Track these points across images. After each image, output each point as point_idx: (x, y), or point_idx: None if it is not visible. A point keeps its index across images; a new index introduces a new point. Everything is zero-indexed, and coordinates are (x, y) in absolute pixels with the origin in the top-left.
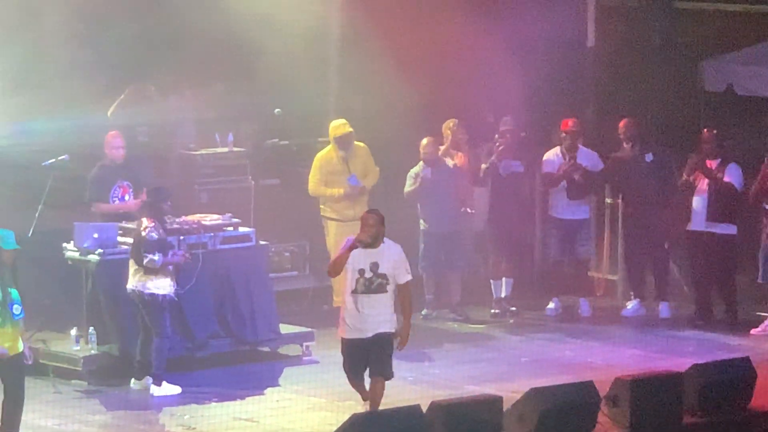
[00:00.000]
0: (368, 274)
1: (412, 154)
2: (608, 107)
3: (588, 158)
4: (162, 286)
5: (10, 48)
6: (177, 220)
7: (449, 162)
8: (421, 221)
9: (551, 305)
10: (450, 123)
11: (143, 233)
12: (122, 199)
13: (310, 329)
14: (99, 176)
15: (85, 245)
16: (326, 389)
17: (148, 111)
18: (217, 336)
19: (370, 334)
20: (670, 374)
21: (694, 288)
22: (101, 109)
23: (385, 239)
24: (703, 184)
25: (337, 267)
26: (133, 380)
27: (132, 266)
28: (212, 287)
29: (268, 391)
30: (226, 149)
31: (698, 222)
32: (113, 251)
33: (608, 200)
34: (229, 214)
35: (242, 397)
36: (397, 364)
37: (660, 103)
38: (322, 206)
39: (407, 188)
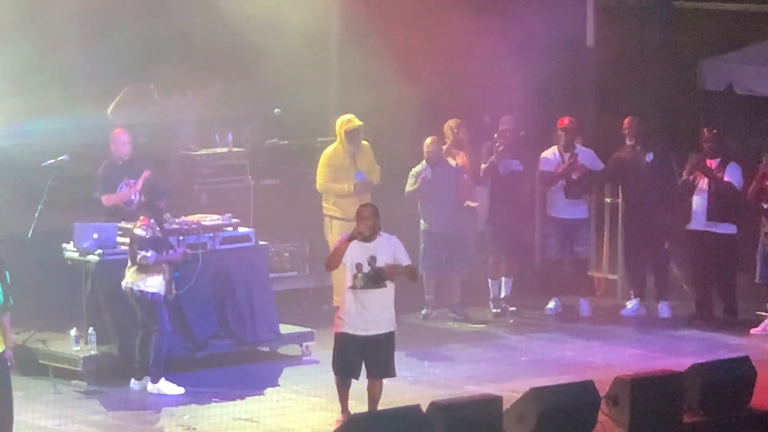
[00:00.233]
0: (366, 269)
1: (412, 153)
2: (608, 107)
3: (585, 156)
4: (153, 284)
5: (10, 48)
6: (177, 220)
7: (452, 161)
8: (422, 221)
9: (551, 305)
10: (451, 122)
11: (135, 231)
12: (129, 199)
13: (309, 329)
14: (106, 173)
15: (85, 246)
16: (326, 389)
17: (148, 111)
18: (217, 336)
19: (369, 333)
20: (670, 374)
21: (694, 287)
22: (101, 110)
23: (380, 232)
24: (703, 183)
25: (335, 258)
26: (132, 380)
27: (128, 264)
28: (212, 288)
29: (268, 391)
30: (225, 149)
31: (698, 221)
32: (113, 251)
33: (608, 200)
34: (229, 215)
35: (242, 397)
36: (397, 364)
37: (660, 102)
38: (325, 204)
39: (408, 188)
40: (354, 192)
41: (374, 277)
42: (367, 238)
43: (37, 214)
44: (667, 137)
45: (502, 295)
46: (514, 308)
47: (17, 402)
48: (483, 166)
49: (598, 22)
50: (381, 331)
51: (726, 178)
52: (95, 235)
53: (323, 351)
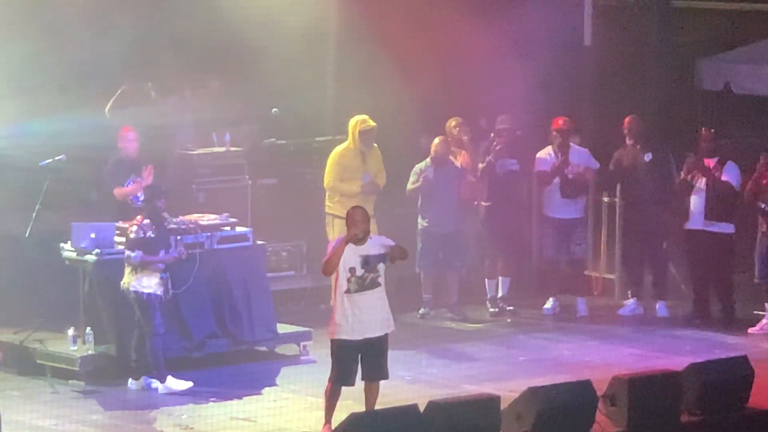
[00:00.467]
0: (359, 272)
1: (411, 153)
2: (605, 106)
3: (580, 156)
4: (149, 285)
5: (8, 49)
6: (174, 220)
7: (455, 162)
8: (420, 220)
9: (549, 304)
10: (452, 122)
11: (128, 231)
12: (135, 197)
13: (307, 329)
14: (114, 170)
15: (83, 245)
16: (324, 389)
17: (146, 111)
18: (215, 336)
19: (365, 335)
20: (668, 373)
21: (692, 287)
22: (99, 110)
23: (371, 235)
24: (701, 183)
25: (332, 263)
26: (130, 380)
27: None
28: (209, 287)
29: (266, 390)
30: (223, 149)
31: (696, 221)
32: (110, 251)
33: (605, 199)
34: (227, 214)
35: (240, 397)
36: (394, 364)
37: (657, 101)
38: (329, 203)
39: (409, 185)
40: (361, 193)
41: (369, 281)
42: (358, 241)
43: (34, 214)
44: (664, 137)
45: (500, 294)
46: (511, 308)
47: (14, 401)
48: (480, 165)
49: (596, 21)
50: (377, 334)
51: (724, 178)
52: (93, 235)
53: (321, 350)
